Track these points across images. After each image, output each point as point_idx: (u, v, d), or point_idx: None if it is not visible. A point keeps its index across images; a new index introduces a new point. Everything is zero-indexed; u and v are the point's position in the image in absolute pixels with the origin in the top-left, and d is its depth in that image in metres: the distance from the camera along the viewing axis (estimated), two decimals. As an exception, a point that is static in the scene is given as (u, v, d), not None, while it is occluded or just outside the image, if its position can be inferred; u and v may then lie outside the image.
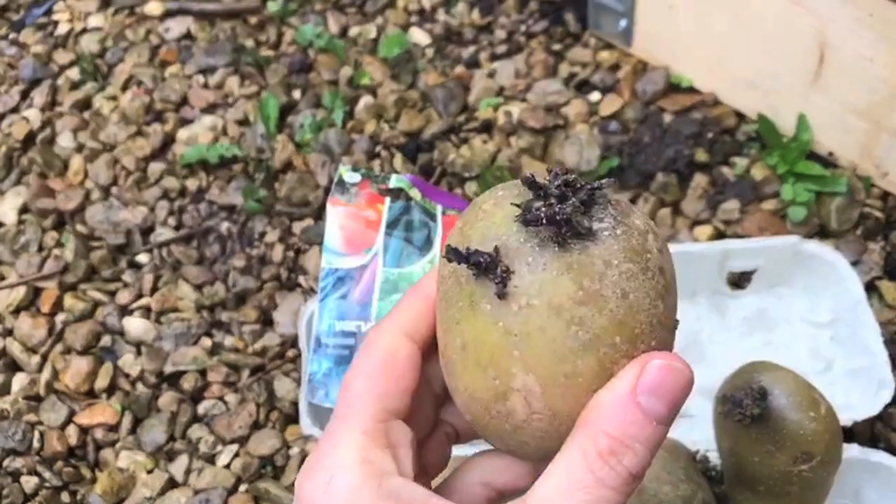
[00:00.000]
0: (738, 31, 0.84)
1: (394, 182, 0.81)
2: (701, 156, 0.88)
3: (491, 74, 0.99)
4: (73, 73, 1.06)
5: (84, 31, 1.11)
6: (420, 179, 0.84)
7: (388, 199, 0.77)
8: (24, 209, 0.95)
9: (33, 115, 1.02)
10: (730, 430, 0.61)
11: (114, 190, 0.94)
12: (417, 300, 0.31)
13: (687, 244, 0.77)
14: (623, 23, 0.94)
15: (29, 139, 1.00)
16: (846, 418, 0.69)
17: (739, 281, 0.79)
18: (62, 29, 1.11)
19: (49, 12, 1.13)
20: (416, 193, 0.80)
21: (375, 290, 0.73)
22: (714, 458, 0.64)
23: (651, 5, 0.90)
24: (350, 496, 0.27)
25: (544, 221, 0.27)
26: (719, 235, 0.84)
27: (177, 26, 1.08)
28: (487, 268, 0.27)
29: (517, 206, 0.28)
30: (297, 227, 0.90)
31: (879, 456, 0.67)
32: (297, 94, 1.00)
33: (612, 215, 0.28)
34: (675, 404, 0.26)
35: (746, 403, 0.59)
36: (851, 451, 0.67)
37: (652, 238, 0.29)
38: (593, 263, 0.27)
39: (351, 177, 0.79)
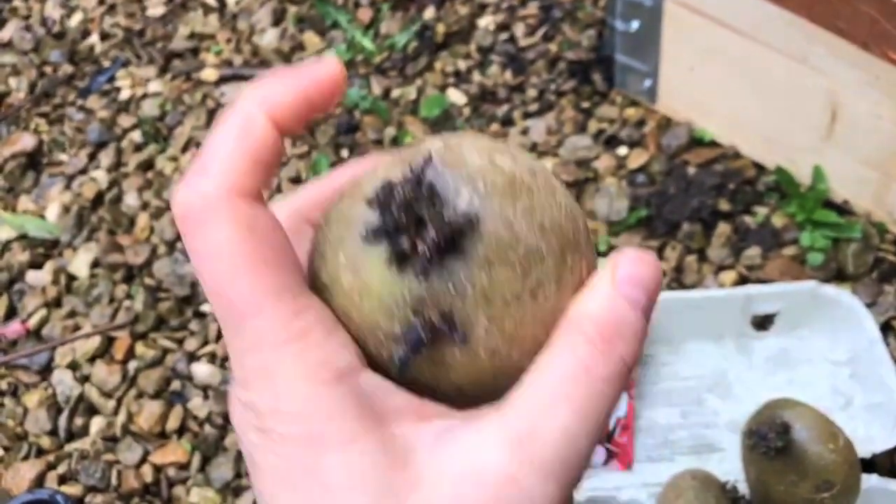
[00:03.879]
0: (754, 91, 0.91)
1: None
2: (724, 205, 0.95)
3: (524, 131, 1.06)
4: (136, 136, 1.14)
5: (145, 96, 1.19)
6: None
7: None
8: (95, 264, 1.02)
9: (101, 175, 1.11)
10: (756, 461, 0.67)
11: (178, 245, 1.02)
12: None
13: (713, 290, 0.83)
14: (648, 82, 1.01)
15: (98, 198, 1.08)
16: (866, 451, 0.74)
17: (763, 323, 0.84)
18: (124, 94, 1.20)
19: (112, 79, 1.22)
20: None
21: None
22: (742, 487, 0.70)
23: (673, 67, 0.97)
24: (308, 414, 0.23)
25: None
26: (743, 280, 0.90)
27: (231, 91, 1.17)
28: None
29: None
30: (348, 276, 0.97)
31: (898, 486, 0.72)
32: (345, 153, 1.08)
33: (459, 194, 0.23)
34: (652, 291, 0.25)
35: (770, 437, 0.64)
36: (871, 480, 0.72)
37: (505, 166, 0.24)
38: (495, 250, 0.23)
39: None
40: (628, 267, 0.25)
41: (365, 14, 1.23)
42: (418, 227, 0.22)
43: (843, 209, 0.92)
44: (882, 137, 0.83)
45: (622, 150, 1.02)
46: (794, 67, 0.85)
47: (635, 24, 0.96)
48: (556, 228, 0.24)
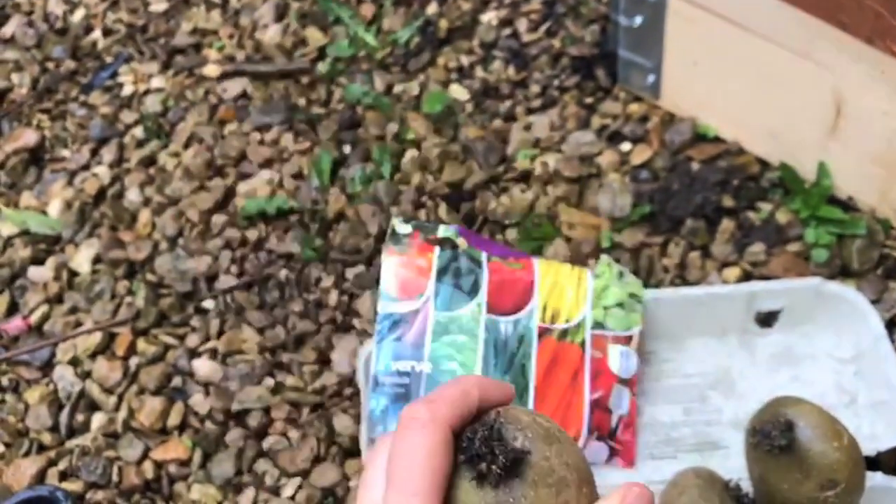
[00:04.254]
0: (757, 86, 0.90)
1: (442, 232, 0.87)
2: (727, 201, 0.94)
3: (527, 127, 1.06)
4: (138, 132, 1.14)
5: (147, 91, 1.19)
6: (465, 229, 0.91)
7: (437, 248, 0.84)
8: (96, 259, 1.02)
9: (103, 171, 1.10)
10: (760, 459, 0.66)
11: (180, 241, 1.02)
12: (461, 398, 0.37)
13: (717, 287, 0.83)
14: (651, 78, 1.00)
15: (100, 194, 1.08)
16: (870, 448, 0.73)
17: (767, 320, 0.84)
18: (127, 90, 1.20)
19: (114, 75, 1.22)
20: (462, 242, 0.86)
21: (428, 332, 0.80)
22: (746, 485, 0.69)
23: (677, 62, 0.96)
24: None
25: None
26: (747, 277, 0.90)
27: (233, 87, 1.17)
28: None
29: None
30: (350, 273, 0.97)
31: (903, 484, 0.72)
32: (347, 148, 1.07)
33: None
34: None
35: (774, 435, 0.64)
36: (875, 479, 0.72)
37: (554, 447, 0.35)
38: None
39: (403, 228, 0.86)
40: (634, 501, 0.33)
41: (367, 9, 1.22)
42: (492, 457, 0.34)
43: (847, 205, 0.92)
44: (887, 133, 0.83)
45: (625, 146, 1.02)
46: (798, 63, 0.84)
47: (639, 20, 0.96)
48: (576, 466, 0.35)
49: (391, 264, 0.82)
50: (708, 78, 0.95)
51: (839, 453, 0.63)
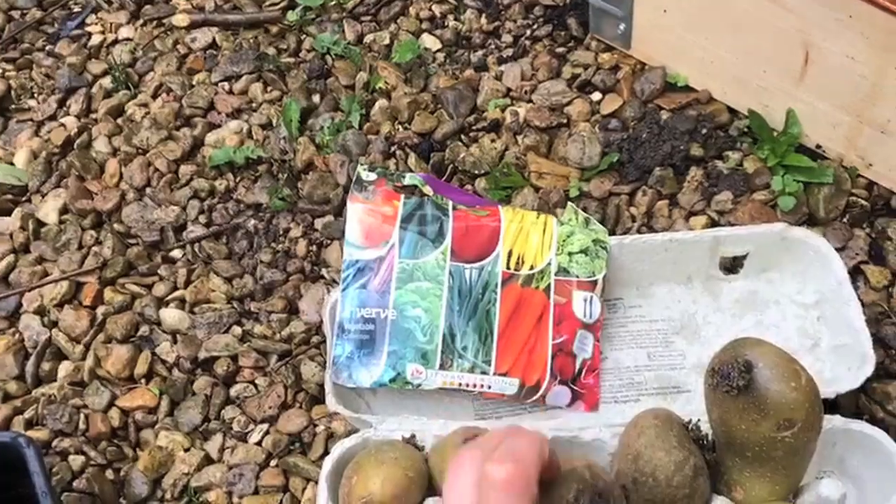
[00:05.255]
0: (726, 33, 0.89)
1: (408, 180, 0.87)
2: (696, 150, 0.94)
3: (498, 77, 1.05)
4: (107, 82, 1.12)
5: (115, 42, 1.17)
6: (432, 177, 0.90)
7: (402, 196, 0.84)
8: (64, 210, 1.01)
9: (70, 122, 1.09)
10: (719, 401, 0.66)
11: (148, 191, 1.01)
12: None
13: (681, 233, 0.83)
14: (622, 26, 0.99)
15: (67, 144, 1.07)
16: (831, 392, 0.74)
17: (732, 266, 0.84)
18: (95, 40, 1.18)
19: (82, 25, 1.20)
20: (428, 190, 0.86)
21: (393, 280, 0.80)
22: (706, 427, 0.70)
23: (647, 10, 0.96)
24: None
25: None
26: (713, 225, 0.90)
27: (202, 36, 1.15)
28: None
29: None
30: (319, 223, 0.96)
31: (861, 426, 0.72)
32: (316, 98, 1.06)
33: None
34: None
35: (733, 376, 0.64)
36: (835, 421, 0.72)
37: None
38: None
39: (368, 175, 0.85)
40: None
41: (339, -42, 1.20)
42: None
43: (815, 153, 0.92)
44: (854, 80, 0.82)
45: (596, 96, 1.01)
46: (766, 7, 0.84)
47: (609, -34, 0.95)
48: None
49: (356, 211, 0.82)
50: (678, 26, 0.94)
51: (796, 393, 0.63)
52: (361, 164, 0.88)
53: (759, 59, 0.89)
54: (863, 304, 0.83)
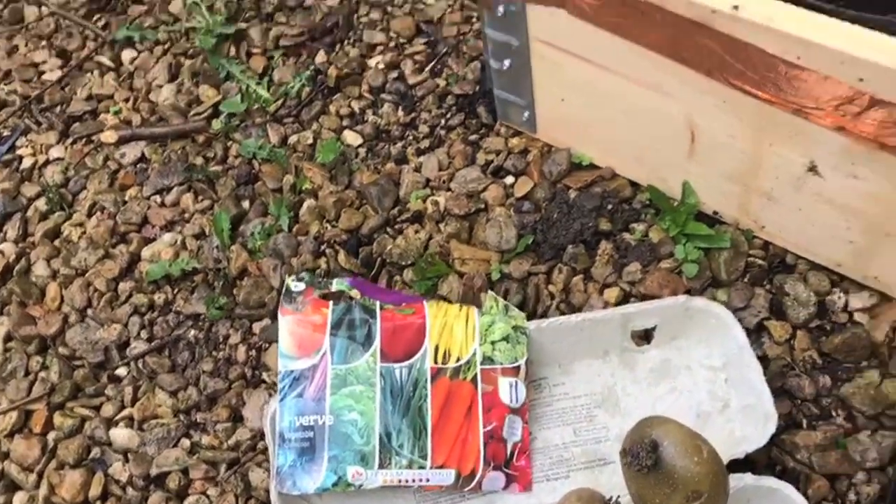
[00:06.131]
0: (621, 117, 0.96)
1: (335, 286, 0.92)
2: (604, 225, 1.00)
3: (417, 168, 1.11)
4: (41, 204, 1.16)
5: (47, 162, 1.21)
6: (358, 279, 0.95)
7: (331, 303, 0.89)
8: (7, 338, 1.04)
9: (8, 248, 1.12)
10: (633, 477, 0.72)
11: (89, 311, 1.05)
12: None
13: (593, 312, 0.89)
14: (526, 114, 1.06)
15: (6, 272, 1.10)
16: (741, 451, 0.80)
17: (644, 337, 0.90)
18: (26, 163, 1.22)
19: (12, 148, 1.24)
20: (355, 293, 0.91)
21: (327, 386, 0.84)
22: (626, 501, 0.75)
23: (547, 98, 1.02)
24: None
25: None
26: (626, 295, 0.96)
27: (131, 151, 1.19)
28: None
29: None
30: (257, 326, 1.01)
31: (769, 481, 0.78)
32: (246, 204, 1.11)
33: None
34: None
35: (642, 456, 0.70)
36: (746, 479, 0.78)
37: None
38: None
39: (296, 286, 0.90)
40: None
41: (258, 62, 1.26)
42: None
43: (713, 219, 0.98)
44: (737, 155, 0.89)
45: (509, 179, 1.07)
46: (651, 95, 0.91)
47: (507, 62, 1.01)
48: None
49: (287, 323, 0.87)
50: (577, 112, 1.01)
51: (699, 467, 0.69)
52: (290, 278, 0.93)
53: (652, 139, 0.96)
54: (768, 360, 0.89)
